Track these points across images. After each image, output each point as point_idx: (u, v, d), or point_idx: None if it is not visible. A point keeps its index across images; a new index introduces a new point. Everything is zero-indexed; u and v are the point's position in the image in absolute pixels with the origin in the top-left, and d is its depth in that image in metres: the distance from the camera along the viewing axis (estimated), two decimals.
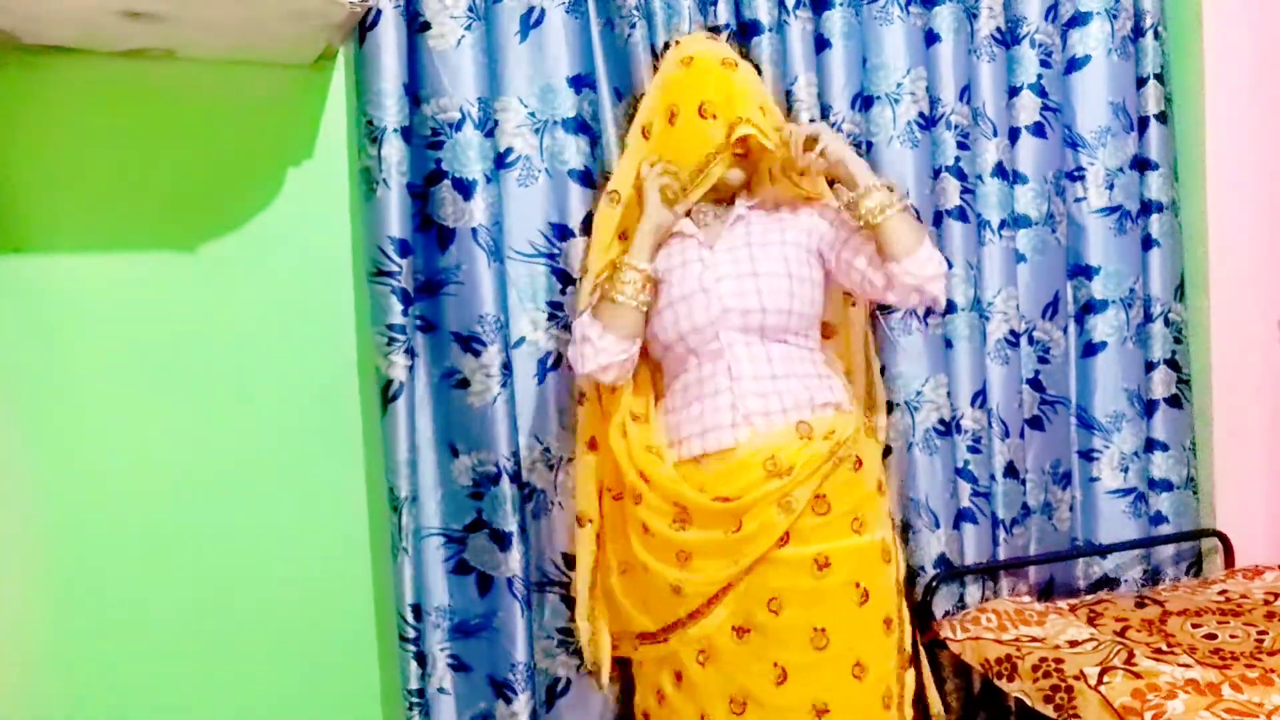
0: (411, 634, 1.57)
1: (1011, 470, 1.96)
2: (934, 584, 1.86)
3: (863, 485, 1.53)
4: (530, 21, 1.62)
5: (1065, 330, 2.05)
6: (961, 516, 1.92)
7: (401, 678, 1.58)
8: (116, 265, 1.50)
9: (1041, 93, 1.97)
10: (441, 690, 1.64)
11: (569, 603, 1.68)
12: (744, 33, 1.73)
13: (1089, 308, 2.05)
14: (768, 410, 1.48)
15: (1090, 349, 2.05)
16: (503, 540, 1.60)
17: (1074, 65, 2.03)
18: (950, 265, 1.88)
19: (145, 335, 1.52)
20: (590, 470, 1.64)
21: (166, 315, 1.53)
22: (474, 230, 1.56)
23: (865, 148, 1.82)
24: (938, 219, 1.89)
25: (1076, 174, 2.04)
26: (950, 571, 1.88)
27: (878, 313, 1.84)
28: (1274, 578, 1.95)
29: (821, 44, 1.79)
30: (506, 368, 1.60)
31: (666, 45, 1.67)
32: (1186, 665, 1.53)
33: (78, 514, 1.49)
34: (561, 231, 1.65)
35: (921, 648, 1.74)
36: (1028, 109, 1.97)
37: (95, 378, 1.49)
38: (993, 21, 1.92)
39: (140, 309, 1.51)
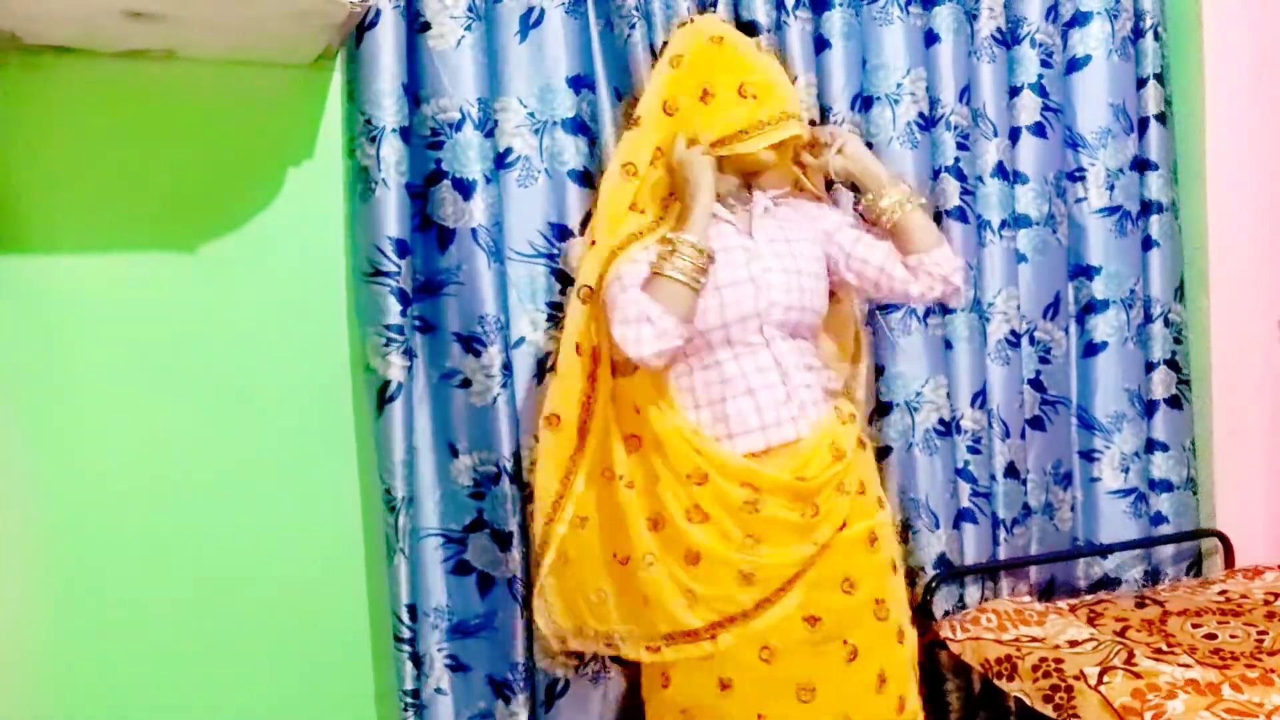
0: (407, 634, 1.56)
1: (1012, 470, 1.96)
2: (934, 584, 1.86)
3: (871, 463, 1.62)
4: (530, 22, 1.62)
5: (1066, 330, 2.05)
6: (961, 516, 1.92)
7: (397, 678, 1.58)
8: (116, 265, 1.50)
9: (1042, 93, 1.97)
10: (439, 691, 1.64)
11: None
12: (743, 33, 1.72)
13: (1090, 308, 2.05)
14: (816, 400, 1.51)
15: (1091, 349, 2.05)
16: (504, 540, 1.60)
17: (1074, 65, 2.03)
18: None
19: (144, 335, 1.52)
20: (552, 450, 1.55)
21: (165, 315, 1.53)
22: (474, 230, 1.56)
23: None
24: (937, 219, 1.88)
25: (1077, 174, 2.04)
26: (950, 572, 1.88)
27: (877, 312, 1.84)
28: (1274, 578, 1.95)
29: (821, 44, 1.79)
30: (507, 368, 1.60)
31: (666, 45, 1.67)
32: (1186, 665, 1.53)
33: (76, 514, 1.49)
34: (561, 232, 1.65)
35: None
36: (1028, 109, 1.97)
37: (94, 378, 1.49)
38: (993, 22, 1.92)
39: (139, 309, 1.51)
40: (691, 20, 1.62)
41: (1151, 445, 2.09)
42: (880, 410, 1.88)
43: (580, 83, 1.64)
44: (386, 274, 1.54)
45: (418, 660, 1.59)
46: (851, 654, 1.47)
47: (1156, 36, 2.05)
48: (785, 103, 1.50)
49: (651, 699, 1.54)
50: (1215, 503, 2.15)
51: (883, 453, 1.87)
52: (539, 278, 1.65)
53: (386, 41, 1.52)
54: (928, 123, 1.86)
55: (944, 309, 1.89)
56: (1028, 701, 1.59)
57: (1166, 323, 2.08)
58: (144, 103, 1.50)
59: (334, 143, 1.60)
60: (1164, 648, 1.61)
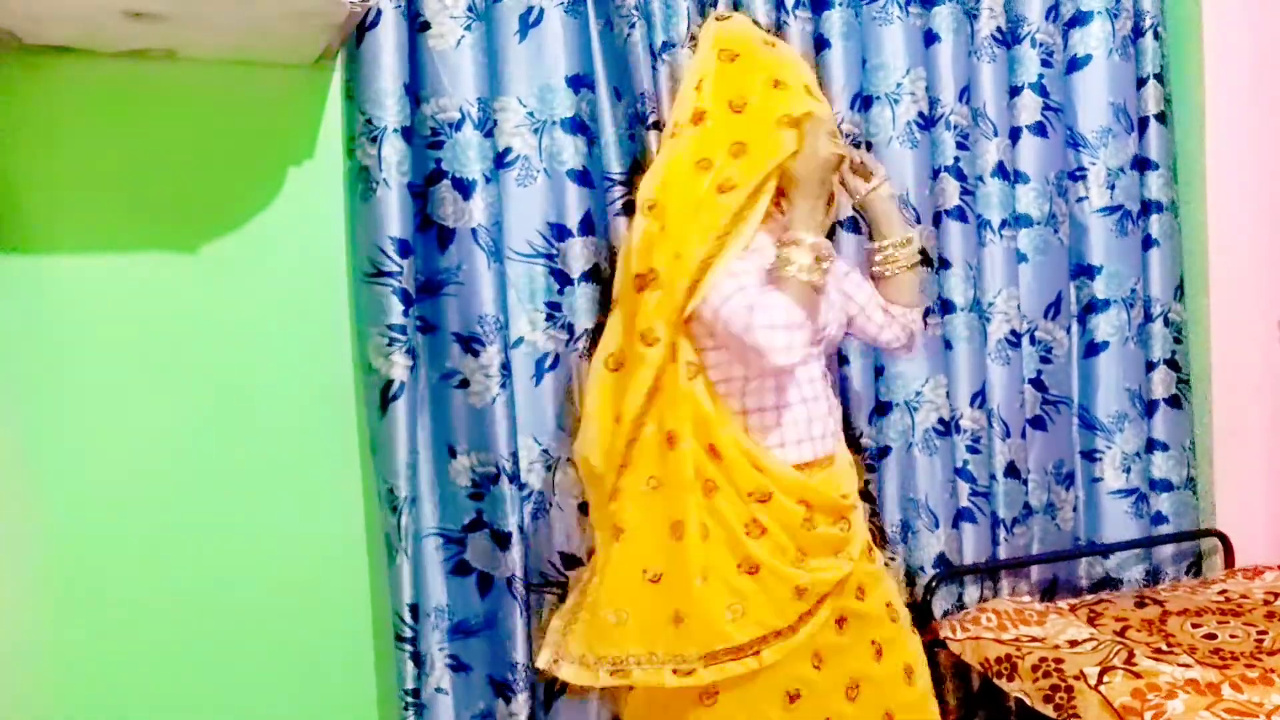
0: (408, 634, 1.57)
1: (1012, 470, 1.96)
2: (933, 584, 1.86)
3: None
4: (529, 21, 1.62)
5: (1068, 330, 2.05)
6: (960, 516, 1.92)
7: (398, 678, 1.58)
8: (117, 265, 1.50)
9: (1043, 92, 1.97)
10: (440, 690, 1.64)
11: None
12: None
13: (1091, 307, 2.05)
14: (838, 418, 1.58)
15: (1092, 349, 2.05)
16: (503, 540, 1.60)
17: (1075, 65, 2.03)
18: (949, 265, 1.89)
19: (145, 335, 1.52)
20: (607, 440, 1.48)
21: (166, 315, 1.53)
22: (474, 230, 1.56)
23: (865, 148, 1.82)
24: (937, 219, 1.89)
25: (1078, 174, 2.04)
26: (950, 571, 1.88)
27: None
28: (1274, 578, 1.95)
29: (821, 44, 1.79)
30: (506, 368, 1.60)
31: (665, 45, 1.67)
32: (1186, 665, 1.53)
33: (77, 514, 1.49)
34: (560, 232, 1.64)
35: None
36: (1029, 109, 1.97)
37: (96, 378, 1.49)
38: (993, 21, 1.92)
39: (140, 309, 1.51)
40: (721, 17, 1.60)
41: (1152, 445, 2.09)
42: (880, 410, 1.88)
43: (579, 82, 1.64)
44: (389, 274, 1.54)
45: (419, 660, 1.59)
46: (878, 652, 1.51)
47: (1156, 36, 2.05)
48: (830, 116, 1.51)
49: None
50: (1215, 502, 2.15)
51: (882, 452, 1.87)
52: (538, 278, 1.65)
53: (388, 41, 1.52)
54: (927, 122, 1.86)
55: (944, 309, 1.89)
56: (1028, 701, 1.59)
57: (1166, 322, 2.08)
58: (144, 103, 1.50)
59: (335, 143, 1.60)
60: (1164, 647, 1.61)
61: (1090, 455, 2.08)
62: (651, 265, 1.43)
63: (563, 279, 1.65)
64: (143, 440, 1.52)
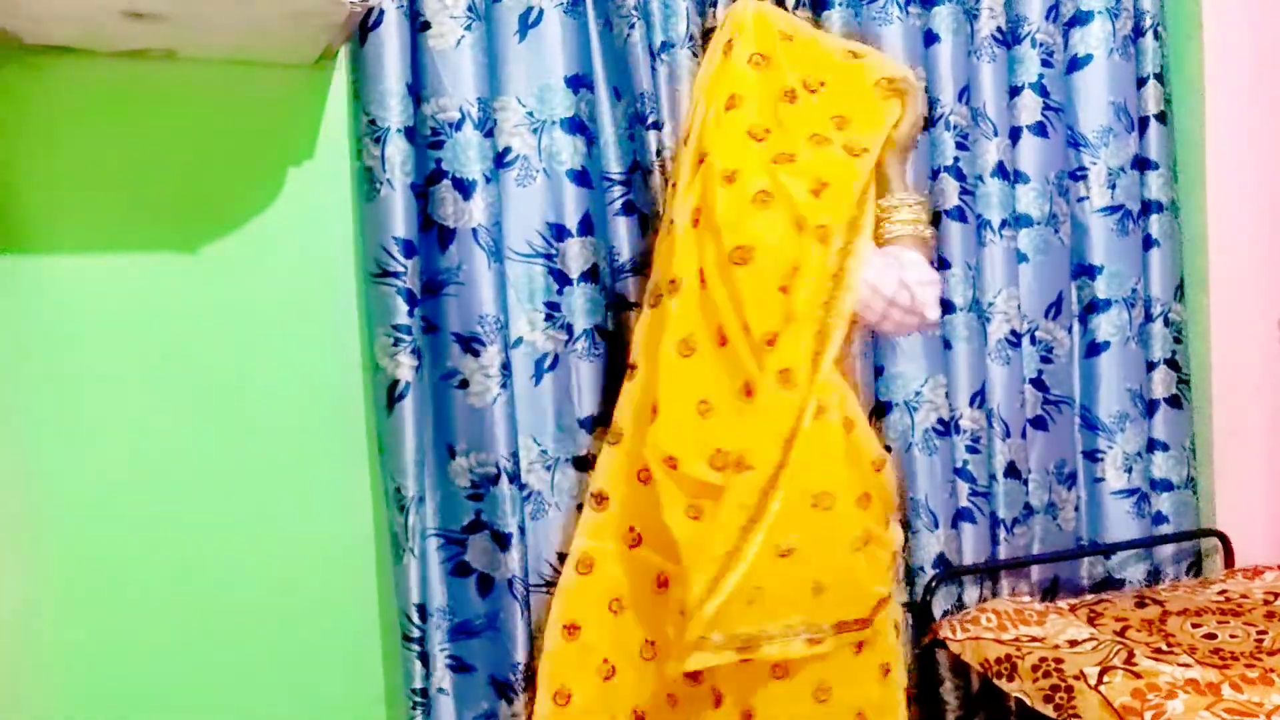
0: (416, 634, 1.57)
1: (1013, 470, 1.96)
2: (933, 584, 1.86)
3: None
4: (529, 21, 1.62)
5: (1069, 330, 2.05)
6: (960, 516, 1.92)
7: (405, 677, 1.58)
8: (118, 265, 1.50)
9: (1043, 92, 1.97)
10: (441, 690, 1.64)
11: None
12: None
13: (1093, 307, 2.05)
14: None
15: (1094, 349, 2.05)
16: (503, 541, 1.60)
17: (1075, 65, 2.03)
18: (949, 265, 1.89)
19: (146, 336, 1.51)
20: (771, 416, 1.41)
21: (167, 316, 1.52)
22: (474, 230, 1.56)
23: None
24: (937, 219, 1.89)
25: (1079, 174, 2.04)
26: (950, 572, 1.88)
27: None
28: (1274, 578, 1.95)
29: None
30: (506, 368, 1.60)
31: (665, 45, 1.67)
32: (1186, 665, 1.53)
33: (80, 515, 1.49)
34: (559, 232, 1.64)
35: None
36: (1029, 108, 1.97)
37: (97, 378, 1.49)
38: (993, 21, 1.92)
39: (141, 309, 1.51)
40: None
41: (1152, 445, 2.09)
42: (879, 410, 1.88)
43: (579, 82, 1.64)
44: (393, 274, 1.54)
45: (426, 659, 1.59)
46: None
47: (1157, 36, 2.05)
48: None
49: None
50: (1215, 503, 2.15)
51: None
52: (537, 278, 1.65)
53: (390, 42, 1.52)
54: (927, 122, 1.86)
55: (944, 309, 1.88)
56: (1028, 701, 1.59)
57: (1166, 322, 2.08)
58: (144, 103, 1.50)
59: (335, 143, 1.60)
60: (1164, 647, 1.61)
61: (1092, 455, 2.07)
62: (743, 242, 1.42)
63: (562, 279, 1.65)
64: (147, 441, 1.52)
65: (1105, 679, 1.49)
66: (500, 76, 1.62)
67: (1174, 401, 2.10)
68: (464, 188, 1.56)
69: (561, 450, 1.66)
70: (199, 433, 1.55)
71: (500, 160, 1.62)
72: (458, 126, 1.55)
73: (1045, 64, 1.97)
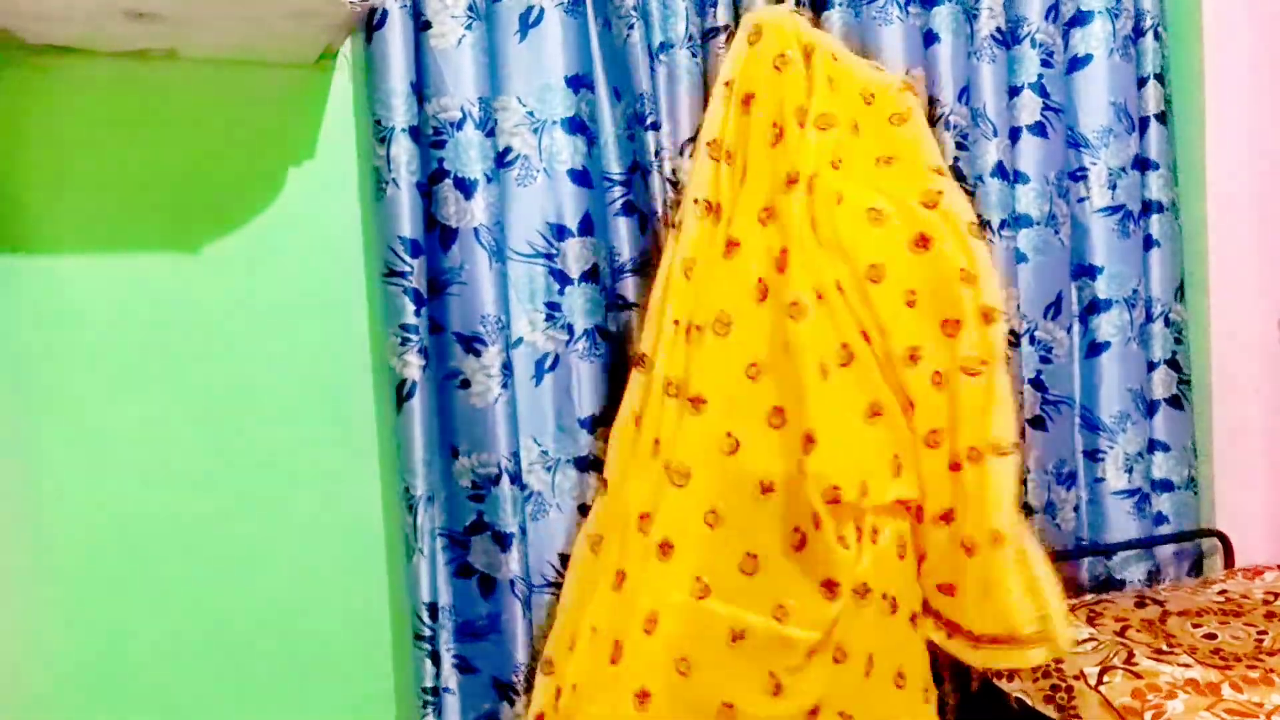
0: (427, 633, 1.56)
1: None
2: None
3: None
4: (529, 21, 1.62)
5: (1070, 330, 2.05)
6: None
7: (416, 676, 1.58)
8: (118, 266, 1.50)
9: (1043, 92, 1.97)
10: (446, 690, 1.64)
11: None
12: None
13: (1094, 307, 2.04)
14: None
15: (1094, 349, 2.05)
16: (504, 541, 1.60)
17: (1075, 65, 2.02)
18: None
19: (146, 337, 1.52)
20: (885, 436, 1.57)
21: (167, 316, 1.53)
22: (476, 230, 1.56)
23: None
24: None
25: (1079, 174, 2.04)
26: None
27: None
28: (1274, 578, 1.95)
29: None
30: (507, 368, 1.60)
31: (664, 45, 1.67)
32: (1186, 665, 1.53)
33: (83, 516, 1.49)
34: (559, 232, 1.65)
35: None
36: (1029, 109, 1.97)
37: (98, 378, 1.49)
38: (993, 21, 1.92)
39: (141, 310, 1.51)
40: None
41: (1153, 445, 2.09)
42: None
43: (579, 82, 1.64)
44: (400, 274, 1.54)
45: (436, 658, 1.59)
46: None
47: (1157, 36, 2.05)
48: None
49: None
50: (1215, 503, 2.15)
51: None
52: (538, 278, 1.65)
53: (395, 41, 1.52)
54: (927, 122, 1.85)
55: None
56: (1028, 701, 1.59)
57: (1167, 323, 2.08)
58: (145, 103, 1.50)
59: (336, 143, 1.60)
60: (1164, 648, 1.61)
61: (1093, 455, 2.07)
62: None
63: (562, 279, 1.65)
64: (152, 442, 1.52)
65: (1105, 679, 1.49)
66: (501, 76, 1.62)
67: (1174, 402, 2.09)
68: (465, 187, 1.56)
69: (562, 451, 1.66)
70: (204, 433, 1.55)
71: (501, 160, 1.62)
72: (459, 126, 1.55)
73: (1045, 64, 1.97)
